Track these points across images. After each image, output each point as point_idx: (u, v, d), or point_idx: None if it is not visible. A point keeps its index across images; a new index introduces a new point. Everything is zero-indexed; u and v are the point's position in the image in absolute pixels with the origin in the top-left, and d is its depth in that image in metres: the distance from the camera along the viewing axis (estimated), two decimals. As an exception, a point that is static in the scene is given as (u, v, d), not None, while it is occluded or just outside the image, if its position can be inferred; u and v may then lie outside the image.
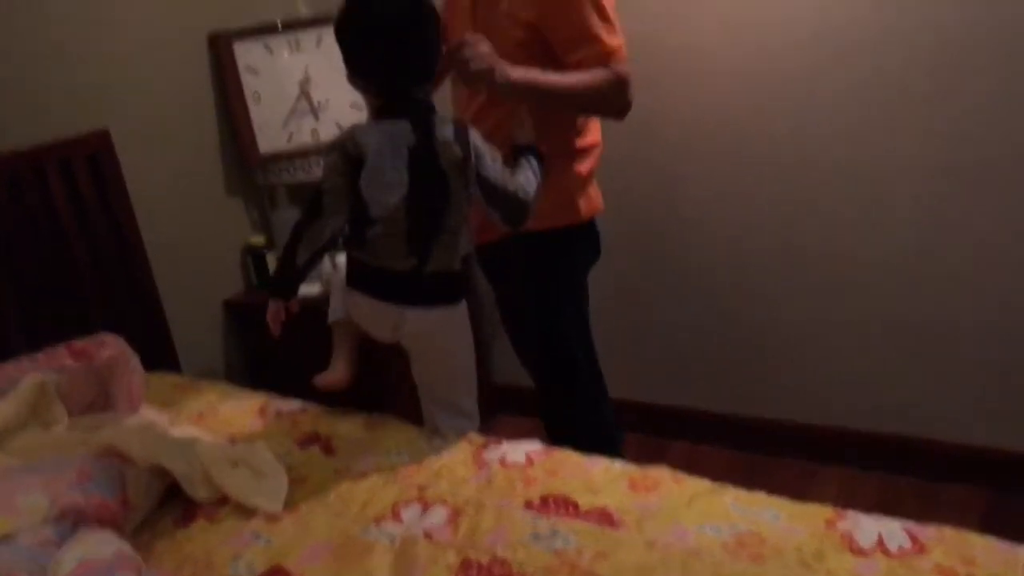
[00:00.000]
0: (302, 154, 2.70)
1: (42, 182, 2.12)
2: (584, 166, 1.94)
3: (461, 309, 1.77)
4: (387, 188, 1.59)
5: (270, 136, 2.69)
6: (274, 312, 1.70)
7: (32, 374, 1.74)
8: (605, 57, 1.76)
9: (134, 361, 1.93)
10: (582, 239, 2.00)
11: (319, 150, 2.67)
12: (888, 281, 2.29)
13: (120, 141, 2.31)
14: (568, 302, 2.03)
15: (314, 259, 1.65)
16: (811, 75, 2.22)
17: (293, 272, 1.65)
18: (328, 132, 2.66)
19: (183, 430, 1.82)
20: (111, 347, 1.89)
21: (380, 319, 1.73)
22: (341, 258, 1.79)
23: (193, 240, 2.60)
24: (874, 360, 2.36)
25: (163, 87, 2.50)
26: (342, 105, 2.65)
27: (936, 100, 2.10)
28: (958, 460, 2.31)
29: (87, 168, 2.21)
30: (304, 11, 2.78)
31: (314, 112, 2.70)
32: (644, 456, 1.75)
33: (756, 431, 2.58)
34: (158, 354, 2.32)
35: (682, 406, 2.70)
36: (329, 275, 2.12)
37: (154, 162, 2.45)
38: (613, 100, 1.81)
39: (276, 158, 2.70)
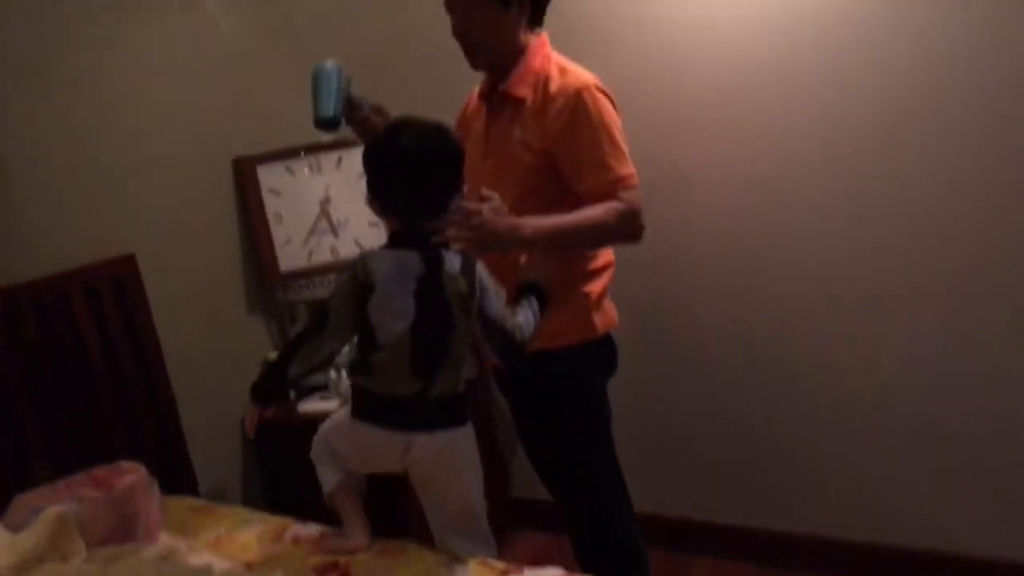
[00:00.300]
0: (322, 271, 2.76)
1: (67, 308, 2.17)
2: (598, 285, 1.96)
3: (468, 432, 1.76)
4: (395, 315, 1.62)
5: (290, 254, 2.76)
6: (251, 417, 1.76)
7: (52, 506, 1.75)
8: (614, 184, 1.79)
9: (154, 488, 1.93)
10: (598, 354, 2.00)
11: (338, 267, 2.73)
12: (914, 389, 2.28)
13: (144, 262, 2.37)
14: (585, 418, 2.02)
15: (305, 375, 1.71)
16: (828, 178, 2.28)
17: (280, 382, 1.71)
18: (347, 249, 2.72)
19: (201, 557, 1.81)
20: (131, 475, 1.90)
21: (388, 448, 1.71)
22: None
23: (214, 357, 2.63)
24: (905, 472, 2.34)
25: (188, 209, 2.58)
26: (361, 223, 2.72)
27: (954, 202, 2.14)
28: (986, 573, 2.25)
29: (112, 293, 2.26)
30: (326, 137, 2.88)
31: (334, 230, 2.77)
32: (667, 574, 1.72)
33: (781, 545, 2.53)
34: (177, 475, 2.33)
35: (705, 520, 2.66)
36: (347, 391, 2.13)
37: (177, 281, 2.51)
38: (625, 230, 1.83)
39: (296, 275, 2.76)
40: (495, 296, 1.69)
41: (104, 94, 2.36)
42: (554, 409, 1.99)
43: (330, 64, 1.84)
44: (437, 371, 1.66)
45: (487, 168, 1.90)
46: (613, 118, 1.83)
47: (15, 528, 1.76)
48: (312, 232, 2.77)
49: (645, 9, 2.39)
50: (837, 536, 2.45)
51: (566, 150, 1.82)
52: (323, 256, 2.76)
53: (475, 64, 1.91)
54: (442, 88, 2.23)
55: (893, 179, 2.19)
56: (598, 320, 1.96)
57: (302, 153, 2.74)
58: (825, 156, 2.25)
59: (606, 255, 1.98)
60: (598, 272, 1.96)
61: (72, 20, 2.29)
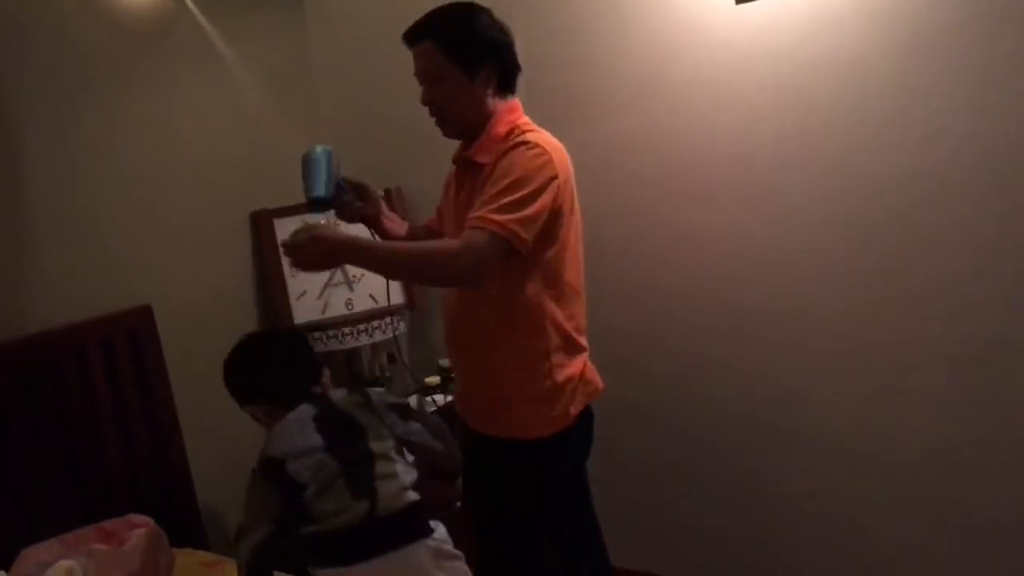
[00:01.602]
0: (336, 324, 2.75)
1: (82, 358, 2.17)
2: (573, 369, 1.92)
3: (429, 545, 1.68)
4: (304, 451, 1.69)
5: (305, 306, 2.76)
6: None
7: (62, 560, 1.72)
8: (480, 220, 1.72)
9: (163, 542, 1.91)
10: (574, 436, 1.95)
11: (354, 320, 2.74)
12: (919, 459, 2.24)
13: (160, 313, 2.37)
14: (540, 510, 1.97)
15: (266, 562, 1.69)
16: (821, 244, 2.27)
17: None
18: (362, 303, 2.73)
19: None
20: (141, 528, 1.88)
21: None
22: None
23: (226, 409, 2.60)
24: (904, 539, 2.29)
25: (205, 261, 2.60)
26: (376, 277, 2.72)
27: (965, 279, 2.12)
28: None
29: (127, 343, 2.26)
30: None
31: (348, 283, 2.78)
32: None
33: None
34: (185, 528, 2.30)
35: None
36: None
37: (192, 332, 2.51)
38: (448, 269, 1.75)
39: (310, 328, 2.75)
40: (393, 393, 1.86)
41: (125, 150, 2.40)
42: (537, 499, 1.93)
43: (319, 148, 1.93)
44: (373, 480, 1.67)
45: (454, 233, 1.89)
46: (536, 178, 1.76)
47: (22, 583, 1.74)
48: (327, 285, 2.78)
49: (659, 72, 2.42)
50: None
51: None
52: (338, 309, 2.77)
53: (445, 132, 1.93)
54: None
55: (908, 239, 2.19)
56: (574, 408, 1.92)
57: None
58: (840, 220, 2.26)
59: (574, 344, 1.93)
60: (570, 356, 1.91)
61: (95, 83, 2.33)
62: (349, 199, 2.00)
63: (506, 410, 1.89)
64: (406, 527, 1.67)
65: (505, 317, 1.85)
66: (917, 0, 2.08)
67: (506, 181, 1.76)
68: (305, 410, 1.76)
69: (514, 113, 1.92)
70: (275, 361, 1.88)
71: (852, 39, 2.17)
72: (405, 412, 1.87)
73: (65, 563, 1.72)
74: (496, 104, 1.90)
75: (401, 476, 1.69)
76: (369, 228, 2.10)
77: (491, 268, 1.73)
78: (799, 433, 2.40)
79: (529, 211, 1.75)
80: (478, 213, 1.74)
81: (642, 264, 2.56)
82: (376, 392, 1.86)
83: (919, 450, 2.24)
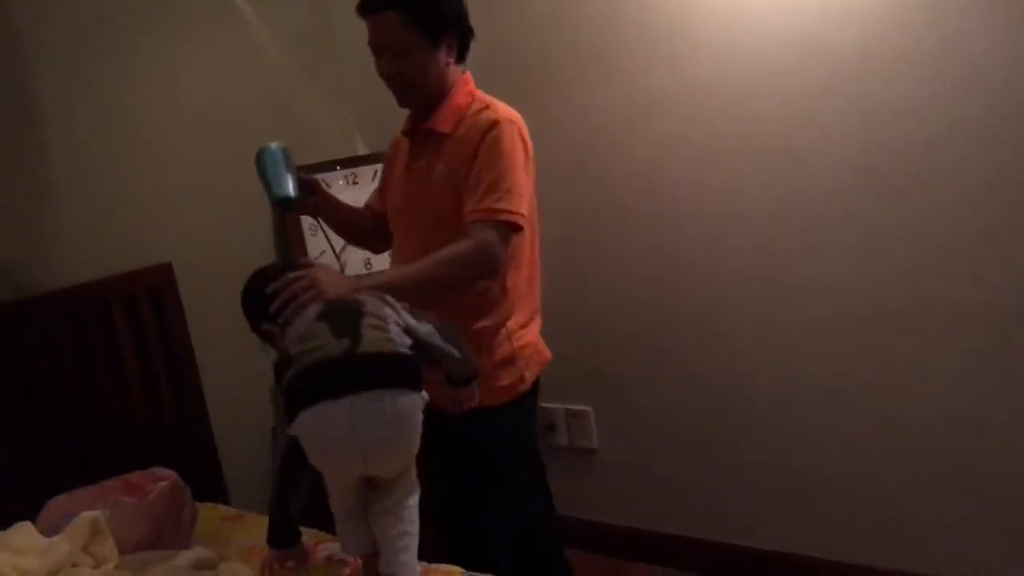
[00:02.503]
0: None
1: (106, 314, 2.19)
2: (529, 335, 1.97)
3: (419, 398, 1.51)
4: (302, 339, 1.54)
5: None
6: (268, 563, 1.68)
7: (86, 511, 1.75)
8: (486, 213, 1.77)
9: (187, 495, 1.93)
10: (532, 402, 2.02)
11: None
12: (943, 423, 2.23)
13: (181, 271, 2.39)
14: (529, 467, 2.05)
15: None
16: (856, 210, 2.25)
17: (288, 524, 1.65)
18: (380, 262, 2.73)
19: (231, 568, 1.80)
20: (165, 481, 1.90)
21: (333, 427, 1.45)
22: None
23: (246, 368, 2.63)
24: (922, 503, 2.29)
25: (224, 219, 2.60)
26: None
27: (998, 239, 2.09)
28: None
29: (149, 302, 2.28)
30: (362, 150, 2.91)
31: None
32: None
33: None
34: (207, 483, 2.33)
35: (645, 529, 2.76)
36: None
37: (212, 291, 2.51)
38: (472, 271, 1.79)
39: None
40: (411, 312, 1.64)
41: (147, 108, 2.40)
42: (498, 466, 1.98)
43: (275, 145, 1.87)
44: (360, 328, 1.50)
45: (407, 203, 1.92)
46: (519, 157, 1.83)
47: (48, 532, 1.76)
48: (347, 246, 2.78)
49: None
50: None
51: (467, 173, 1.82)
52: (357, 267, 2.77)
53: (403, 102, 1.91)
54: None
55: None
56: (529, 373, 1.97)
57: (338, 167, 2.75)
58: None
59: (529, 305, 1.98)
60: (525, 325, 1.96)
61: (118, 36, 2.32)
62: (305, 195, 1.96)
63: (498, 369, 1.91)
64: (393, 369, 1.49)
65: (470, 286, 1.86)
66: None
67: (499, 166, 1.79)
68: (311, 308, 1.60)
69: (469, 84, 1.94)
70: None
71: (877, -6, 2.12)
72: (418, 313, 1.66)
73: (90, 514, 1.74)
74: (454, 74, 1.91)
75: (393, 336, 1.52)
76: (317, 220, 2.13)
77: (505, 258, 1.80)
78: (819, 400, 2.40)
79: (522, 190, 1.81)
80: (482, 205, 1.78)
81: (658, 224, 2.55)
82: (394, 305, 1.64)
83: (942, 415, 2.23)
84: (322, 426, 1.45)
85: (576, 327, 2.73)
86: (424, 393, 1.51)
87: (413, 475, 1.57)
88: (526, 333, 1.98)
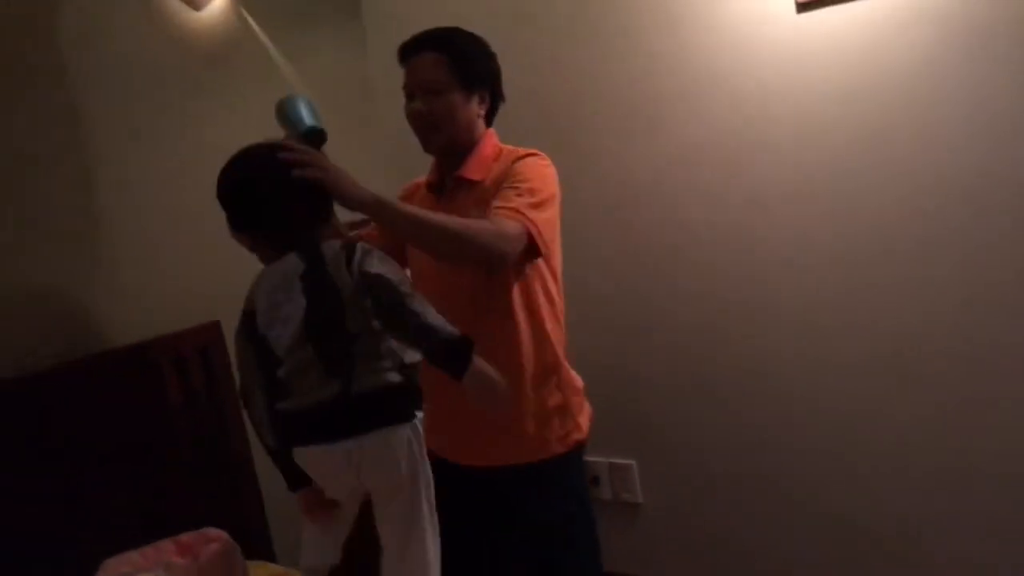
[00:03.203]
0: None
1: (156, 375, 2.21)
2: (577, 380, 1.99)
3: (413, 428, 1.56)
4: (284, 323, 1.54)
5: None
6: (305, 503, 1.68)
7: (141, 573, 1.75)
8: (511, 212, 1.75)
9: (238, 556, 1.93)
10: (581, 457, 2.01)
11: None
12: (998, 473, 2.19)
13: (228, 329, 2.40)
14: (584, 533, 2.01)
15: (279, 436, 1.60)
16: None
17: (284, 461, 1.63)
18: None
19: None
20: (217, 543, 1.90)
21: (334, 465, 1.55)
22: None
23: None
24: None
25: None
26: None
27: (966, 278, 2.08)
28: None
29: (199, 360, 2.30)
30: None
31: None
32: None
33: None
34: (255, 542, 2.32)
35: None
36: None
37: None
38: (482, 244, 1.70)
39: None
40: (380, 260, 1.55)
41: (195, 170, 2.43)
42: (555, 525, 1.94)
43: (297, 95, 1.79)
44: (353, 364, 1.50)
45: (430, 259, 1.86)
46: (548, 182, 1.85)
47: (104, 594, 1.77)
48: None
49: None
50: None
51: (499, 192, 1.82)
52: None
53: (428, 145, 1.93)
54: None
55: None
56: (583, 419, 1.97)
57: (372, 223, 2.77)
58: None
59: (563, 351, 1.95)
60: (569, 371, 1.96)
61: (163, 101, 2.37)
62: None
63: (517, 427, 1.87)
64: (385, 407, 1.53)
65: (511, 326, 1.85)
66: (986, 4, 2.04)
67: (527, 184, 1.80)
68: (293, 262, 1.57)
69: (495, 138, 1.97)
70: (273, 188, 1.60)
71: (919, 45, 2.14)
72: (369, 284, 1.54)
73: (145, 576, 1.75)
74: (481, 128, 1.94)
75: (384, 360, 1.53)
76: None
77: (515, 256, 1.75)
78: (873, 447, 2.37)
79: (548, 215, 1.82)
80: (511, 205, 1.77)
81: (700, 271, 2.55)
82: (365, 253, 1.56)
83: (1004, 457, 2.19)
84: (318, 464, 1.57)
85: (619, 378, 2.72)
86: (419, 414, 1.57)
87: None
88: (574, 379, 1.98)
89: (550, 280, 1.92)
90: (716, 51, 2.40)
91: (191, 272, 2.41)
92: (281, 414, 1.57)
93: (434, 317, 1.51)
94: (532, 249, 1.79)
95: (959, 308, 2.19)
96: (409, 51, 1.90)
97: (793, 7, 2.26)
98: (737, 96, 2.39)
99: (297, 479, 1.66)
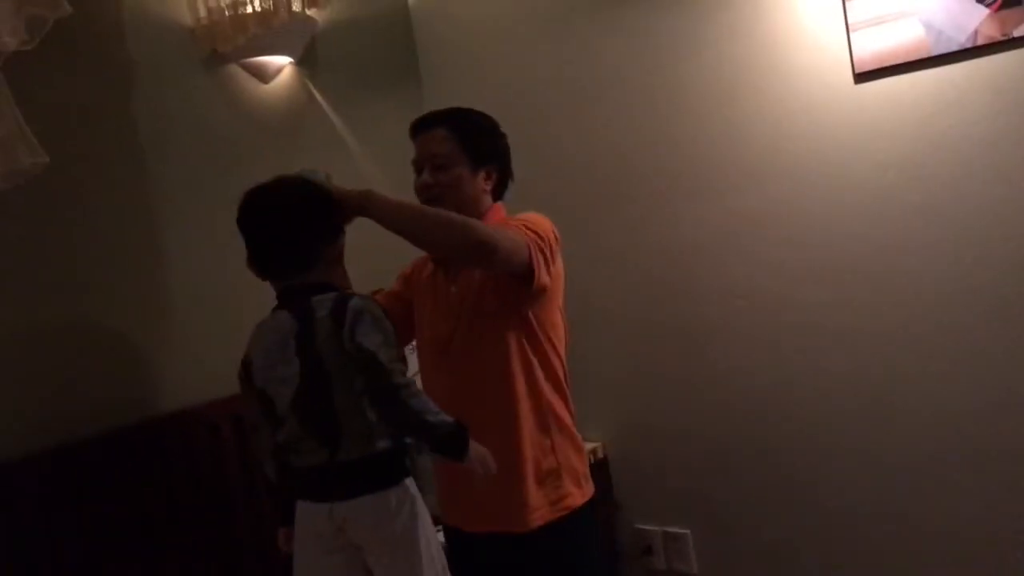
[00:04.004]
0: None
1: (215, 436, 2.25)
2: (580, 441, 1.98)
3: (403, 491, 1.62)
4: (282, 383, 1.60)
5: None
6: (282, 538, 1.78)
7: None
8: (520, 231, 1.79)
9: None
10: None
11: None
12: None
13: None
14: None
15: (280, 471, 1.68)
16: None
17: (276, 492, 1.73)
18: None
19: None
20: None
21: (320, 523, 1.63)
22: None
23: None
24: None
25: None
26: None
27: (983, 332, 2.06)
28: None
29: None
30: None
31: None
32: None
33: None
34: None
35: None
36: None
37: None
38: (469, 235, 1.70)
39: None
40: (373, 327, 1.56)
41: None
42: None
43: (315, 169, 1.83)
44: (339, 434, 1.57)
45: (448, 327, 1.90)
46: (548, 229, 1.86)
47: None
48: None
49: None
50: None
51: None
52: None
53: None
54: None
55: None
56: (587, 485, 1.97)
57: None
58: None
59: (565, 411, 1.95)
60: (562, 431, 1.94)
61: (232, 171, 2.39)
62: None
63: (539, 486, 1.86)
64: (373, 474, 1.60)
65: (508, 391, 1.85)
66: (1048, 76, 2.04)
67: (529, 224, 1.82)
68: (287, 322, 1.62)
69: (501, 212, 1.98)
70: (262, 229, 1.67)
71: (979, 117, 2.14)
72: (360, 361, 1.56)
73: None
74: (487, 202, 1.96)
75: (375, 428, 1.58)
76: None
77: (510, 257, 1.74)
78: (932, 524, 2.30)
79: (548, 252, 1.83)
80: (513, 222, 1.83)
81: (760, 345, 2.52)
82: (356, 316, 1.57)
83: None
84: (310, 518, 1.64)
85: (673, 445, 2.69)
86: (408, 480, 1.63)
87: None
88: (574, 441, 1.96)
89: (547, 343, 1.90)
90: (775, 121, 2.41)
91: (245, 339, 2.44)
92: (286, 465, 1.68)
93: (430, 411, 1.55)
94: (527, 276, 1.78)
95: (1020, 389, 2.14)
96: (419, 127, 1.96)
97: (851, 78, 2.28)
98: (795, 166, 2.39)
99: (285, 517, 1.74)
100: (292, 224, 1.65)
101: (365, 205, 1.71)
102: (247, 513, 2.28)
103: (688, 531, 2.74)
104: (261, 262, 1.68)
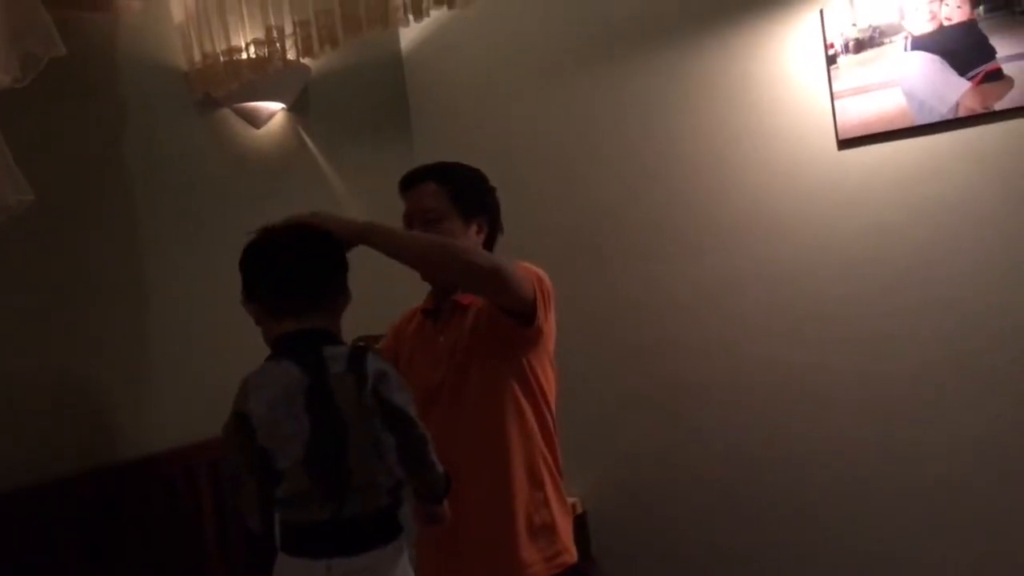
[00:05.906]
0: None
1: (191, 480, 2.22)
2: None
3: (397, 548, 1.61)
4: (288, 439, 1.54)
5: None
6: None
7: None
8: (523, 270, 1.77)
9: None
10: None
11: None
12: None
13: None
14: None
15: (266, 526, 1.62)
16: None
17: (260, 543, 1.64)
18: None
19: None
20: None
21: None
22: None
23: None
24: None
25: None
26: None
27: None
28: None
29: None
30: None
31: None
32: None
33: None
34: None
35: None
36: None
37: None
38: (457, 257, 1.72)
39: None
40: (398, 386, 1.57)
41: (226, 286, 2.48)
42: None
43: None
44: (347, 490, 1.54)
45: (442, 378, 1.89)
46: (546, 279, 1.83)
47: None
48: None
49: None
50: None
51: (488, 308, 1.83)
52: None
53: (425, 274, 1.93)
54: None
55: None
56: (570, 543, 1.92)
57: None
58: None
59: (555, 465, 1.92)
60: (555, 486, 1.92)
61: (221, 216, 2.44)
62: None
63: (532, 540, 1.82)
64: (374, 530, 1.58)
65: (507, 434, 1.83)
66: (1025, 145, 2.08)
67: (529, 270, 1.80)
68: (295, 375, 1.57)
69: None
70: (274, 268, 1.65)
71: (959, 186, 2.18)
72: (392, 418, 1.58)
73: None
74: None
75: (381, 484, 1.57)
76: None
77: (520, 288, 1.72)
78: None
79: (548, 298, 1.81)
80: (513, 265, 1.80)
81: (744, 403, 2.53)
82: (380, 377, 1.57)
83: None
84: (295, 572, 1.57)
85: (651, 502, 2.69)
86: (403, 535, 1.60)
87: None
88: (559, 498, 1.92)
89: (539, 393, 1.89)
90: (760, 183, 2.45)
91: (224, 382, 2.39)
92: (281, 520, 1.61)
93: (439, 463, 1.61)
94: (527, 315, 1.77)
95: (1012, 447, 2.15)
96: (409, 182, 1.94)
97: (835, 144, 2.32)
98: (779, 228, 2.42)
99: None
100: (315, 258, 1.65)
101: (366, 233, 1.70)
102: (218, 553, 2.24)
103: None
104: (275, 298, 1.64)
